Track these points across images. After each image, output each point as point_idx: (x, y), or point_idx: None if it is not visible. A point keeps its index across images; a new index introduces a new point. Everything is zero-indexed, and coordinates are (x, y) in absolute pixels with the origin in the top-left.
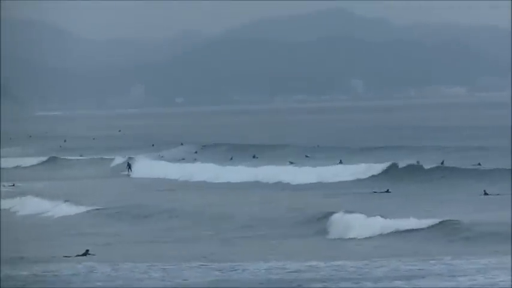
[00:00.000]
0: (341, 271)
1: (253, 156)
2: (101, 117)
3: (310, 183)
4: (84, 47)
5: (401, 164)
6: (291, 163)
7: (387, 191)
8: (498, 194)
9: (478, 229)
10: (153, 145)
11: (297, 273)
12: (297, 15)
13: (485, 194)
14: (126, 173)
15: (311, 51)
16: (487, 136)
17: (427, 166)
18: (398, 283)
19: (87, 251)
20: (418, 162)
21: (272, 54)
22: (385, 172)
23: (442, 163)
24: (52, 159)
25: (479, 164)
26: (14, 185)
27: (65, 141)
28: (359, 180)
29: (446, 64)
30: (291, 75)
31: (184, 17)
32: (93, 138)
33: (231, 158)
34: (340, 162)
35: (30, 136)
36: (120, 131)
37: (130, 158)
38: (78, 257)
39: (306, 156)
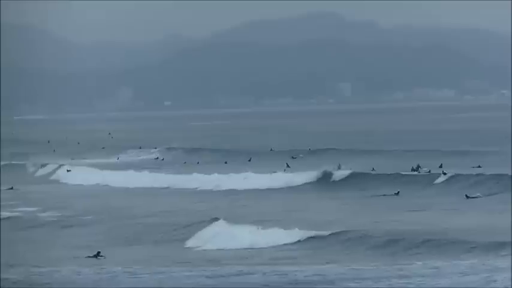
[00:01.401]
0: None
1: (249, 160)
2: (89, 120)
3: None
4: (71, 49)
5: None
6: (288, 166)
7: (397, 193)
8: (477, 197)
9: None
10: (140, 147)
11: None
12: (285, 18)
13: (467, 197)
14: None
15: (299, 54)
16: (480, 140)
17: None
18: None
19: (99, 252)
20: (420, 166)
21: (260, 57)
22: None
23: (441, 166)
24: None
25: (479, 167)
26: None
27: (48, 142)
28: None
29: (434, 67)
30: (279, 79)
31: (172, 20)
32: (78, 143)
33: (226, 162)
34: (339, 168)
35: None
36: (109, 133)
37: (69, 164)
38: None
39: (293, 158)
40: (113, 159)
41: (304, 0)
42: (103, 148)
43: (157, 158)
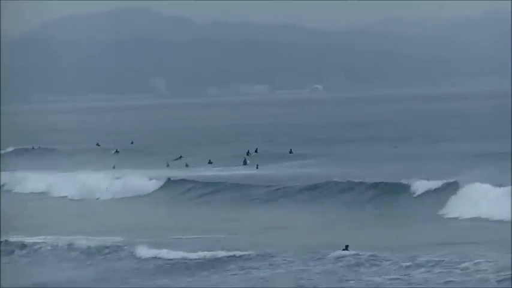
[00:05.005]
0: None
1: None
2: None
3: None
4: None
5: None
6: (210, 162)
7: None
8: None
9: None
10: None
11: None
12: (96, 13)
13: None
14: None
15: (111, 50)
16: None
17: None
18: None
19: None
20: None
21: (70, 53)
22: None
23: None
24: None
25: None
26: None
27: None
28: None
29: (247, 62)
30: (90, 75)
31: None
32: None
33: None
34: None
35: None
36: None
37: None
38: None
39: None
40: None
41: None
42: None
43: None
